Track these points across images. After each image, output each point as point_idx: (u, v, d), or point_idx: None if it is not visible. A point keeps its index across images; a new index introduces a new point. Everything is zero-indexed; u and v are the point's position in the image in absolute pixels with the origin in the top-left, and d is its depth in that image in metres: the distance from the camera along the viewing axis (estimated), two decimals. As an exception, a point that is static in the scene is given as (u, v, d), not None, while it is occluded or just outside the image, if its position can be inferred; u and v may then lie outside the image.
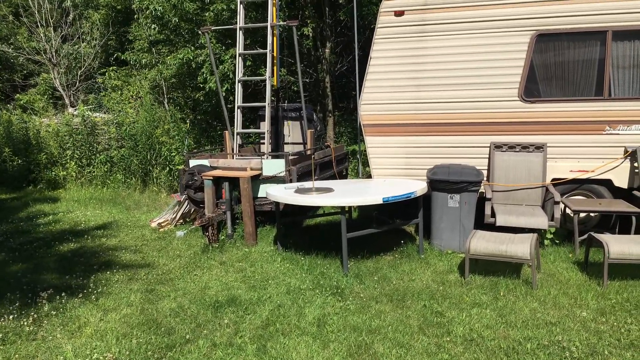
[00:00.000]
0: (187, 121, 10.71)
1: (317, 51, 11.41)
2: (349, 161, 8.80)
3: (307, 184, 5.83)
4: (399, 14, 5.99)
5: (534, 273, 4.42)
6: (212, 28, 7.87)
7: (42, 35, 15.47)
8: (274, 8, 7.25)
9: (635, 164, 5.47)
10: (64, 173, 10.51)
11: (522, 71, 5.69)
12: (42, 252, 6.14)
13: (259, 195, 6.42)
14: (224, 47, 9.60)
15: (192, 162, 6.71)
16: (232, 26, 7.62)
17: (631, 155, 5.49)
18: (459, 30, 5.84)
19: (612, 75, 5.51)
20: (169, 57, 10.07)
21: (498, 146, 5.87)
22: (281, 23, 7.45)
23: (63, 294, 4.60)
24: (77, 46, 16.19)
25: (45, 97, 15.40)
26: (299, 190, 5.43)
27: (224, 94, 8.05)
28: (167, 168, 9.78)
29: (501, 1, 5.65)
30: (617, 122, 5.51)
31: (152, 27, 10.37)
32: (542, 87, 5.74)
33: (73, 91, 16.18)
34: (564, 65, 5.66)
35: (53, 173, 10.52)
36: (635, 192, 5.37)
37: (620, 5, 5.33)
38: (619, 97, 5.50)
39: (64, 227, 7.38)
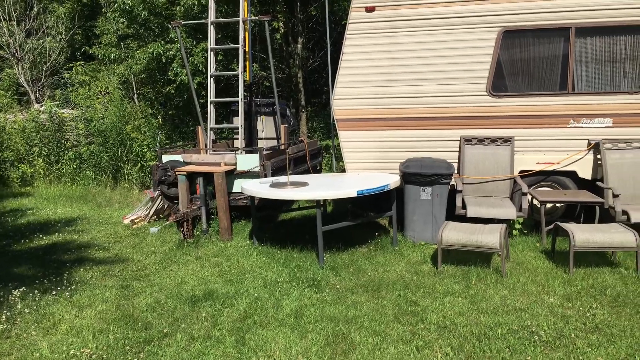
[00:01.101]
0: (159, 117, 10.60)
1: (289, 47, 11.43)
2: (322, 156, 8.87)
3: (281, 179, 5.87)
4: (370, 9, 6.06)
5: (504, 262, 4.58)
6: (183, 22, 7.81)
7: (5, 29, 15.04)
8: (245, 3, 7.24)
9: (598, 156, 5.69)
10: (32, 170, 10.27)
11: (490, 67, 5.85)
12: (12, 249, 6.02)
13: (234, 190, 6.43)
14: (194, 42, 9.52)
15: (165, 158, 6.66)
16: (203, 20, 7.58)
17: (594, 147, 5.71)
18: (428, 26, 5.95)
19: (575, 70, 5.71)
20: (138, 52, 9.94)
21: (468, 140, 6.02)
22: (253, 18, 7.45)
23: (36, 292, 4.53)
24: (41, 41, 15.79)
25: (10, 92, 14.99)
26: (274, 185, 5.46)
27: (195, 87, 8.00)
28: (139, 164, 9.67)
29: (470, -2, 5.79)
30: (580, 115, 5.71)
31: (121, 21, 10.20)
32: (509, 82, 5.90)
33: (39, 87, 15.78)
34: (529, 61, 5.84)
35: (20, 170, 10.27)
36: (599, 183, 5.59)
37: (582, 3, 5.52)
38: (582, 92, 5.70)
39: (34, 224, 7.23)
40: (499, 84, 5.90)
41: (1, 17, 15.20)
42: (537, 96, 5.80)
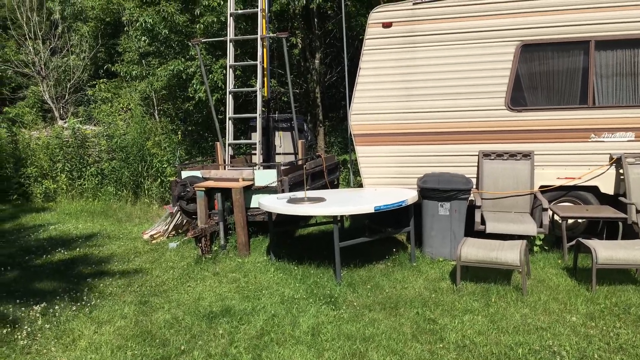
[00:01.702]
0: (179, 133, 10.74)
1: (306, 62, 11.51)
2: (340, 171, 8.87)
3: (299, 194, 5.88)
4: (387, 25, 6.09)
5: (524, 279, 4.49)
6: (203, 40, 7.93)
7: (30, 48, 15.45)
8: (264, 20, 7.33)
9: (621, 171, 5.58)
10: (55, 186, 10.47)
11: (508, 80, 5.81)
12: (34, 264, 6.12)
13: (252, 206, 6.45)
14: (214, 58, 9.66)
15: (184, 174, 6.74)
16: (222, 38, 7.68)
17: (616, 162, 5.61)
18: (446, 41, 5.95)
19: (595, 83, 5.63)
20: (159, 69, 10.11)
21: (486, 154, 5.96)
22: (271, 35, 7.53)
23: (56, 307, 4.60)
24: (66, 59, 16.18)
25: (35, 109, 15.35)
26: (291, 200, 5.47)
27: (213, 103, 8.10)
28: (159, 180, 9.78)
29: (486, 13, 5.77)
30: (601, 129, 5.62)
31: (142, 39, 10.40)
32: (528, 96, 5.85)
33: (62, 104, 16.14)
34: (549, 75, 5.78)
35: (44, 186, 10.48)
36: (621, 198, 5.48)
37: (601, 16, 5.46)
38: (603, 105, 5.62)
39: (56, 239, 7.35)
40: (518, 98, 5.85)
41: (27, 36, 15.62)
42: (557, 110, 5.73)
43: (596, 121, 5.63)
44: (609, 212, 5.37)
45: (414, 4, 5.97)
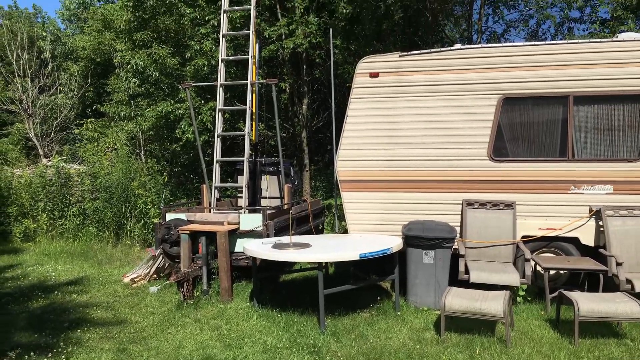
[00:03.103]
0: (164, 174, 10.71)
1: (294, 106, 11.70)
2: (325, 215, 8.89)
3: (284, 239, 5.87)
4: (374, 75, 6.26)
5: (508, 331, 4.49)
6: (193, 84, 8.04)
7: (19, 85, 15.50)
8: (254, 66, 7.49)
9: (600, 223, 5.69)
10: (35, 225, 10.28)
11: (491, 132, 5.96)
12: (9, 308, 5.95)
13: (236, 250, 6.41)
14: (202, 101, 9.78)
15: (169, 216, 6.69)
16: (212, 83, 7.81)
17: (596, 214, 5.72)
18: (430, 92, 6.12)
19: (574, 137, 5.81)
20: (148, 110, 10.18)
21: (470, 203, 6.04)
22: (261, 81, 7.67)
23: (32, 354, 4.45)
24: (54, 97, 16.23)
25: (19, 147, 15.25)
26: (276, 246, 5.45)
27: (201, 143, 8.13)
28: (142, 221, 9.68)
29: (470, 66, 5.98)
30: (581, 182, 5.76)
31: (133, 80, 10.51)
32: (510, 147, 6.00)
33: (47, 142, 16.08)
34: (529, 127, 5.95)
35: (24, 225, 10.28)
36: (601, 250, 5.56)
37: (579, 73, 5.70)
38: (582, 158, 5.78)
39: (33, 282, 7.17)
40: (500, 149, 5.99)
41: (16, 74, 15.69)
42: (537, 162, 5.88)
43: (576, 173, 5.77)
44: (589, 264, 5.44)
45: (400, 55, 6.17)
